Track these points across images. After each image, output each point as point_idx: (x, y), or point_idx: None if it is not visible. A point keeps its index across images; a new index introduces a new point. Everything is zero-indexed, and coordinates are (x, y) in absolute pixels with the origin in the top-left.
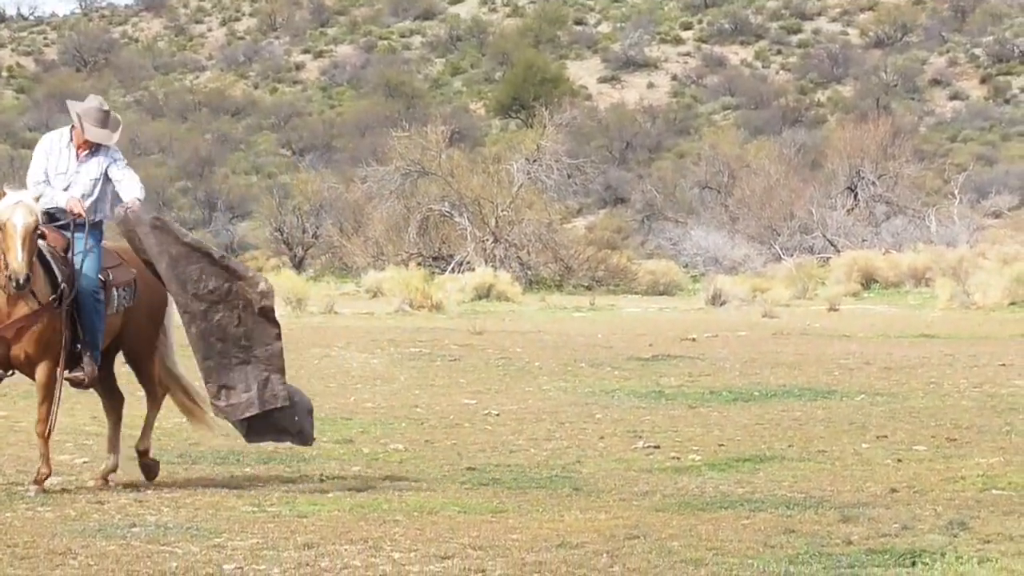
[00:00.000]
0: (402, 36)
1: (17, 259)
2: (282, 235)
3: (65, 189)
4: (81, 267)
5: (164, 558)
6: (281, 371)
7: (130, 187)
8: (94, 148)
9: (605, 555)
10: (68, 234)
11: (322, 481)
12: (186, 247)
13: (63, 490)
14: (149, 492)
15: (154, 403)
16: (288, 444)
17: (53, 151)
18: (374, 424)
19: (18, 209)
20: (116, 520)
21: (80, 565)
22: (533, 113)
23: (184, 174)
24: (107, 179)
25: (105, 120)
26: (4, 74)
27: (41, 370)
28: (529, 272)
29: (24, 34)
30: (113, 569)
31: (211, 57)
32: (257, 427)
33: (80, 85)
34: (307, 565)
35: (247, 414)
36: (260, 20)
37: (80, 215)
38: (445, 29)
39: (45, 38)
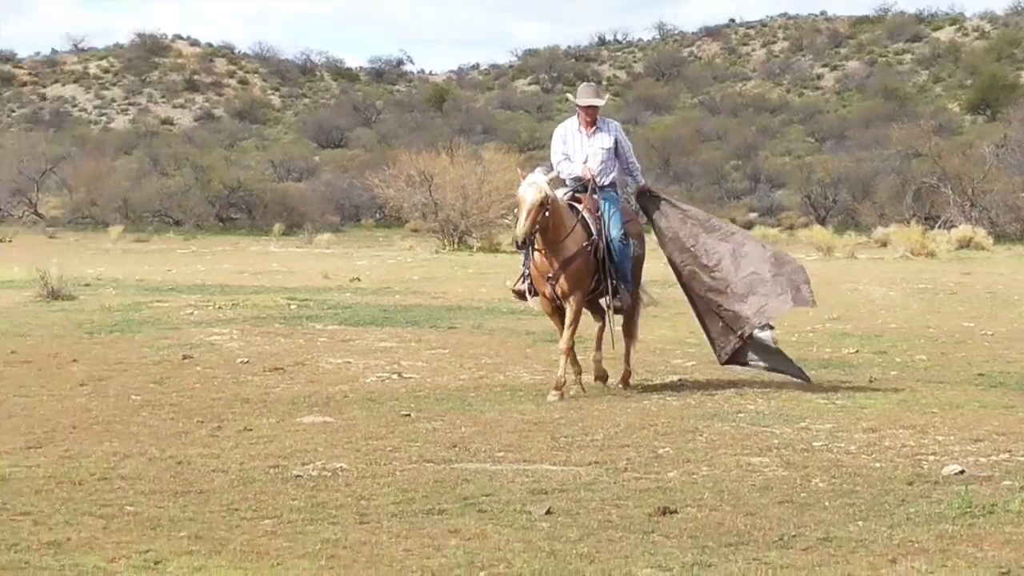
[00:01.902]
0: (896, 54)
1: (520, 225)
2: (809, 200)
3: (584, 161)
4: (608, 222)
5: (766, 436)
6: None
7: (637, 176)
8: (599, 126)
9: None
10: (596, 197)
11: (871, 381)
12: (686, 217)
13: (679, 384)
14: (745, 387)
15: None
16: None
17: (568, 135)
18: (899, 340)
19: (530, 188)
20: (725, 408)
21: (706, 440)
22: (997, 111)
23: (735, 155)
24: (615, 151)
25: (595, 92)
26: (604, 82)
27: (573, 300)
28: (997, 228)
29: (619, 54)
30: (730, 443)
31: (755, 70)
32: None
33: (659, 91)
34: (874, 444)
35: (734, 351)
36: (791, 43)
37: (591, 179)
38: (929, 49)
39: (634, 56)
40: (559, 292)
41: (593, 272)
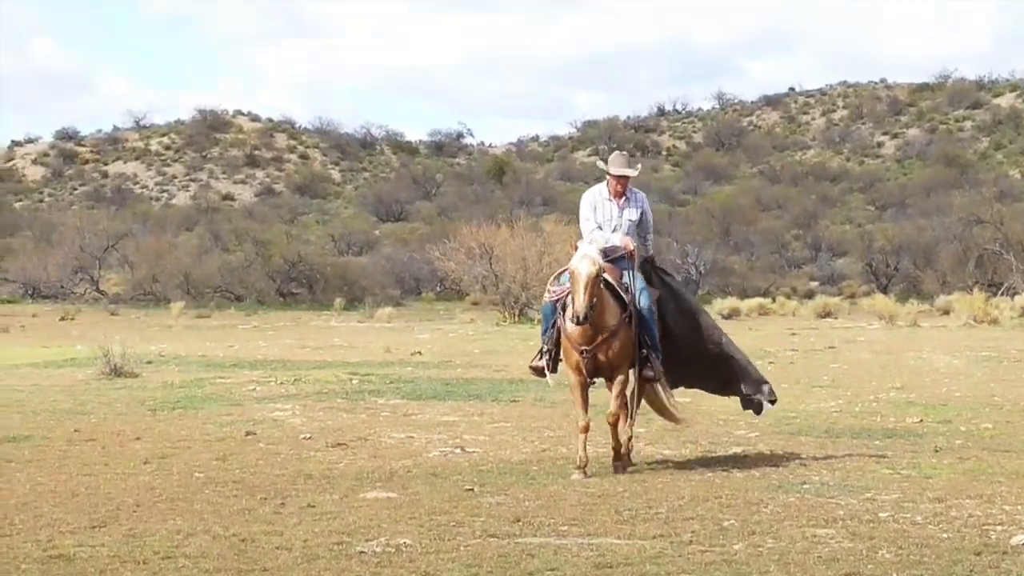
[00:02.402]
0: (956, 121)
1: (580, 300)
2: (871, 268)
3: (613, 231)
4: (638, 294)
5: (832, 507)
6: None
7: (649, 247)
8: (627, 197)
9: None
10: (622, 266)
11: (936, 451)
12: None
13: (743, 456)
14: (810, 458)
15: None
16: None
17: (598, 203)
18: (964, 409)
19: (584, 260)
20: (789, 479)
21: (771, 512)
22: None
23: (795, 224)
24: (640, 222)
25: (627, 161)
26: (664, 152)
27: (621, 372)
28: None
29: (678, 124)
30: (796, 515)
31: (814, 139)
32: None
33: (719, 160)
34: (941, 515)
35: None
36: (851, 111)
37: (632, 252)
38: (990, 115)
39: (693, 126)
40: (605, 364)
41: (635, 343)
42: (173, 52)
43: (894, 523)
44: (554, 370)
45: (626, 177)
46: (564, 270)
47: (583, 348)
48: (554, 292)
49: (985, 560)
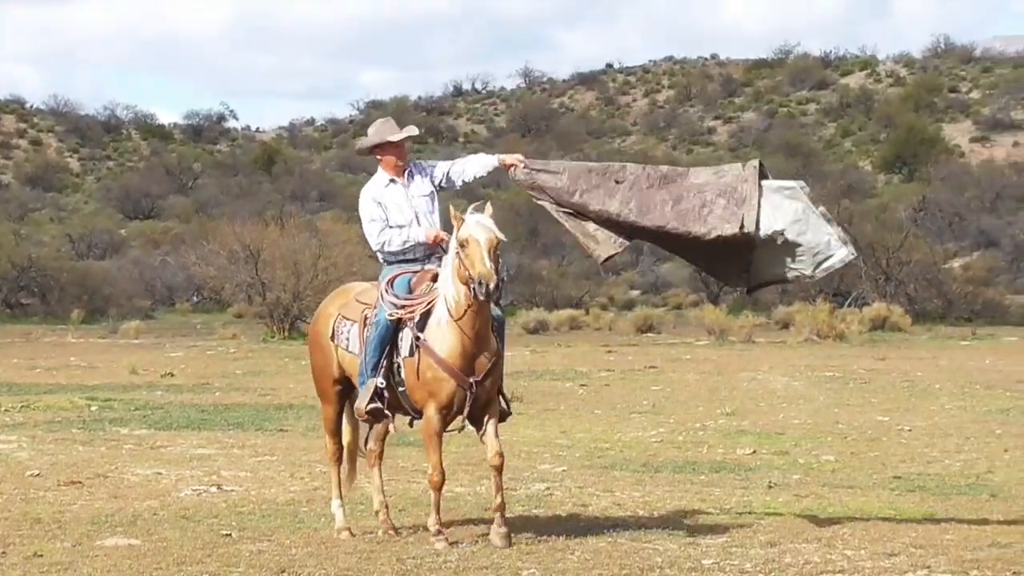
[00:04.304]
0: (799, 104)
1: (486, 266)
2: (700, 275)
3: (415, 218)
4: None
5: (648, 554)
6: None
7: (478, 160)
8: (410, 171)
9: None
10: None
11: (770, 487)
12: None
13: (549, 493)
14: (625, 497)
15: None
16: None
17: (380, 195)
18: (804, 438)
19: (479, 227)
20: (601, 520)
21: (578, 560)
22: (914, 169)
23: None
24: (436, 194)
25: (394, 126)
26: (461, 138)
27: (494, 403)
28: (916, 306)
29: (478, 105)
30: (606, 563)
31: (636, 123)
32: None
33: (525, 149)
34: (773, 561)
35: None
36: (678, 91)
37: (442, 240)
38: (836, 97)
39: (495, 108)
40: (482, 399)
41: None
42: None
43: (719, 571)
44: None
45: (400, 146)
46: (400, 275)
47: (471, 380)
48: (399, 303)
49: None
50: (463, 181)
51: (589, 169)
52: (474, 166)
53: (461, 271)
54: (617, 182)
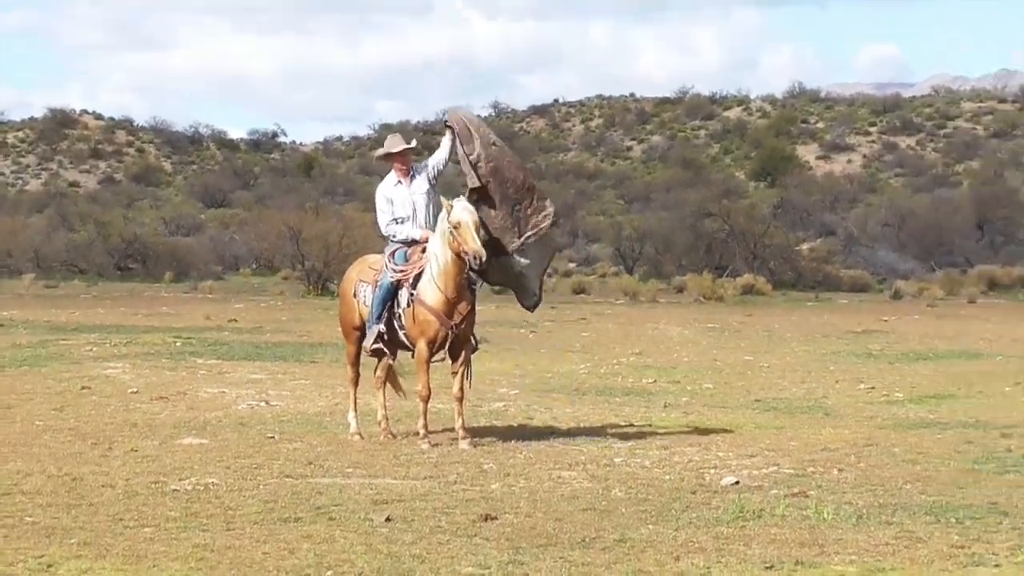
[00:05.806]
0: (693, 130)
1: (476, 243)
2: (619, 253)
3: (414, 211)
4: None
5: (575, 453)
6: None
7: (440, 150)
8: (412, 174)
9: (852, 455)
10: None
11: (665, 407)
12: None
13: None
14: (560, 413)
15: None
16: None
17: (391, 193)
18: (691, 371)
19: (466, 211)
20: (542, 429)
21: (524, 457)
22: (776, 178)
23: (557, 215)
24: (434, 188)
25: (402, 139)
26: None
27: (467, 343)
28: (775, 277)
29: None
30: (545, 460)
31: (575, 143)
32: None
33: None
34: (665, 460)
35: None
36: (605, 120)
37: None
38: (720, 126)
39: None
40: (460, 338)
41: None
42: (27, 59)
43: (626, 467)
44: (394, 355)
45: (404, 155)
46: (398, 249)
47: (452, 324)
48: (398, 269)
49: (699, 498)
50: (439, 169)
51: (490, 135)
52: (439, 155)
53: (453, 243)
54: (493, 144)
